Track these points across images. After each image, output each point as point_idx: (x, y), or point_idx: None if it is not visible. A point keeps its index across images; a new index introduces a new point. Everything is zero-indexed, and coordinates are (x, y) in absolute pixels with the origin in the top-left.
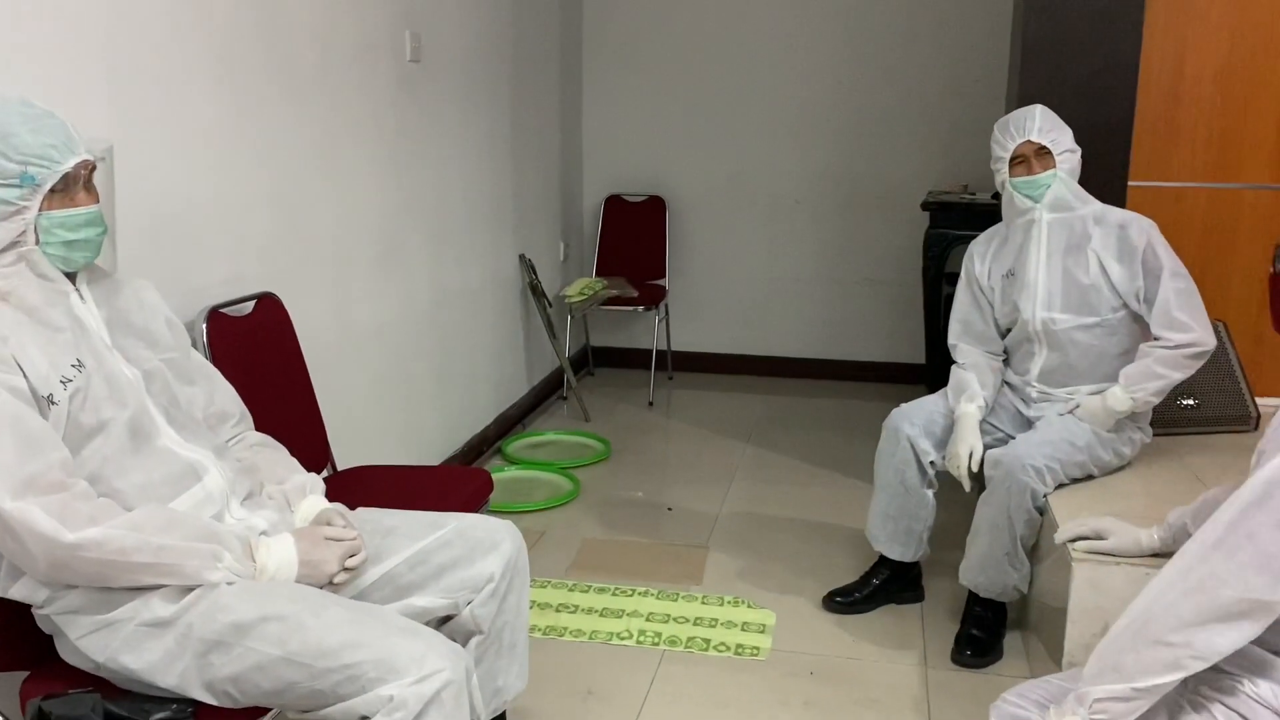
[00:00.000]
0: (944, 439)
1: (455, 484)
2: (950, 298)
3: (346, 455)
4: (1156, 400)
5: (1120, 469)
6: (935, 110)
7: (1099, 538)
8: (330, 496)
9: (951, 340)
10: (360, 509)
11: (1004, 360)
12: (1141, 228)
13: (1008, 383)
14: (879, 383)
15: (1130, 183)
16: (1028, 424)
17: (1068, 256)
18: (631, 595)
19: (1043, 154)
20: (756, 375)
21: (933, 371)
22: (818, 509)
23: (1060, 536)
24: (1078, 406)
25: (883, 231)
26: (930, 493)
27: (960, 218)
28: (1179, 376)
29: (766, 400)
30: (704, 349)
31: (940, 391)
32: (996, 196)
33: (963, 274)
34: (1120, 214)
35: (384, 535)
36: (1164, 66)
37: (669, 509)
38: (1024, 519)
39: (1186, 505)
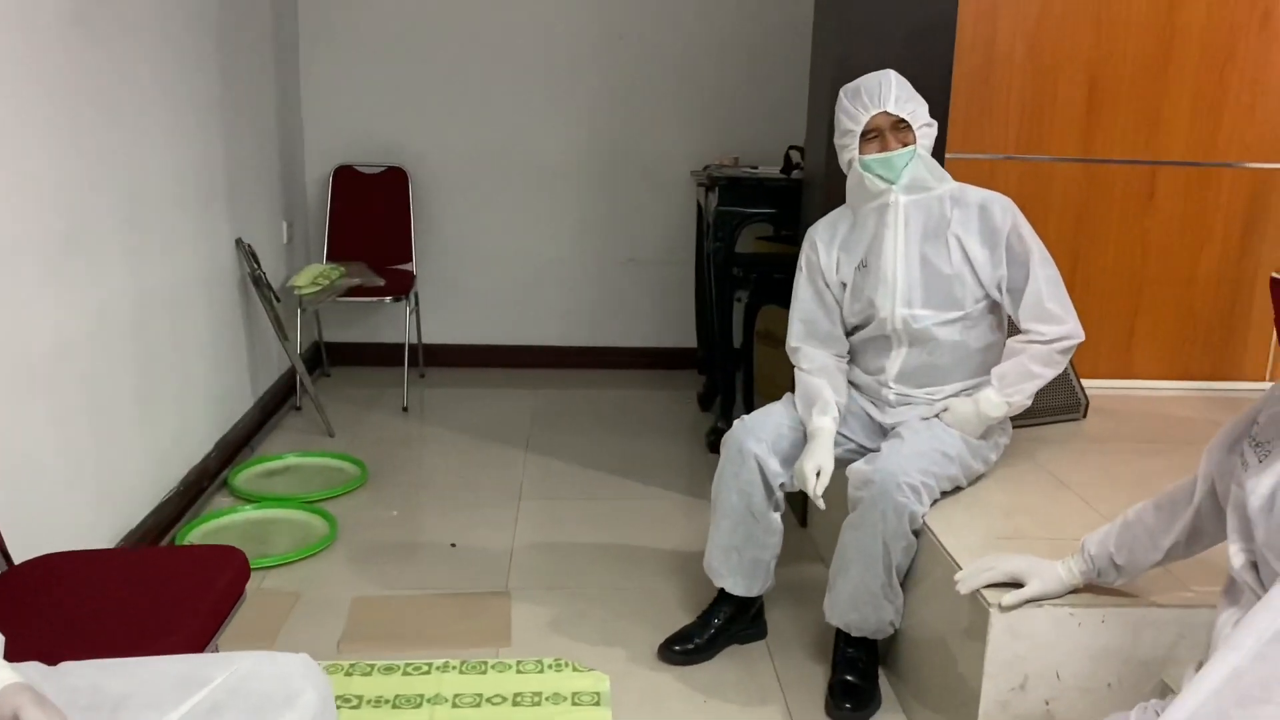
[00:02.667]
0: (793, 455)
1: (197, 574)
2: (738, 281)
3: (25, 536)
4: (1028, 403)
5: (981, 476)
6: (702, 77)
7: (1014, 582)
8: (8, 624)
9: (793, 343)
10: (65, 664)
11: (849, 359)
12: (1004, 208)
13: (855, 384)
14: (650, 369)
15: (946, 155)
16: (882, 432)
17: (926, 244)
18: (429, 673)
19: (900, 128)
20: (519, 368)
21: (703, 355)
22: (624, 528)
23: (966, 586)
24: (945, 410)
25: (648, 208)
26: (778, 516)
27: (751, 194)
28: (1051, 374)
29: (536, 396)
30: (459, 340)
31: (785, 399)
32: (787, 170)
33: (801, 267)
34: (979, 193)
35: (112, 711)
36: (979, 30)
37: (452, 545)
38: (901, 545)
39: (1098, 530)
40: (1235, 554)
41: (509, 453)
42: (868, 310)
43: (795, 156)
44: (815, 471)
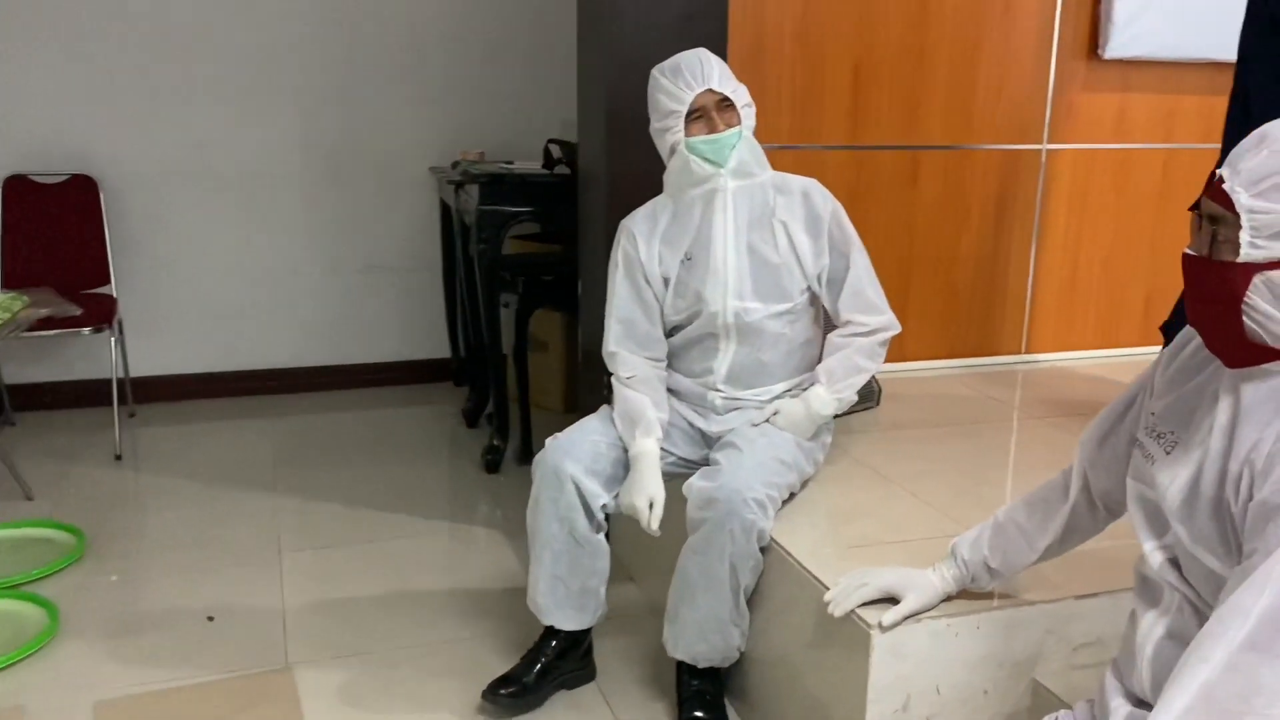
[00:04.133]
0: (614, 474)
1: None
2: (506, 285)
3: None
4: (855, 399)
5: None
6: (434, 66)
7: (889, 598)
8: None
9: (610, 347)
10: None
11: (667, 363)
12: (824, 195)
13: (676, 391)
14: (399, 385)
15: None
16: (706, 442)
17: (753, 232)
18: None
19: (725, 107)
20: (251, 396)
21: (459, 365)
22: (412, 571)
23: (840, 608)
24: (775, 414)
25: (385, 209)
26: (604, 538)
27: (515, 192)
28: (875, 368)
29: (275, 428)
30: (175, 371)
31: (601, 414)
32: (549, 165)
33: (617, 263)
34: (799, 180)
35: None
36: (748, 15)
37: (209, 619)
38: (750, 566)
39: (968, 532)
40: (1151, 553)
41: (256, 498)
42: (694, 306)
43: (555, 151)
44: (648, 504)
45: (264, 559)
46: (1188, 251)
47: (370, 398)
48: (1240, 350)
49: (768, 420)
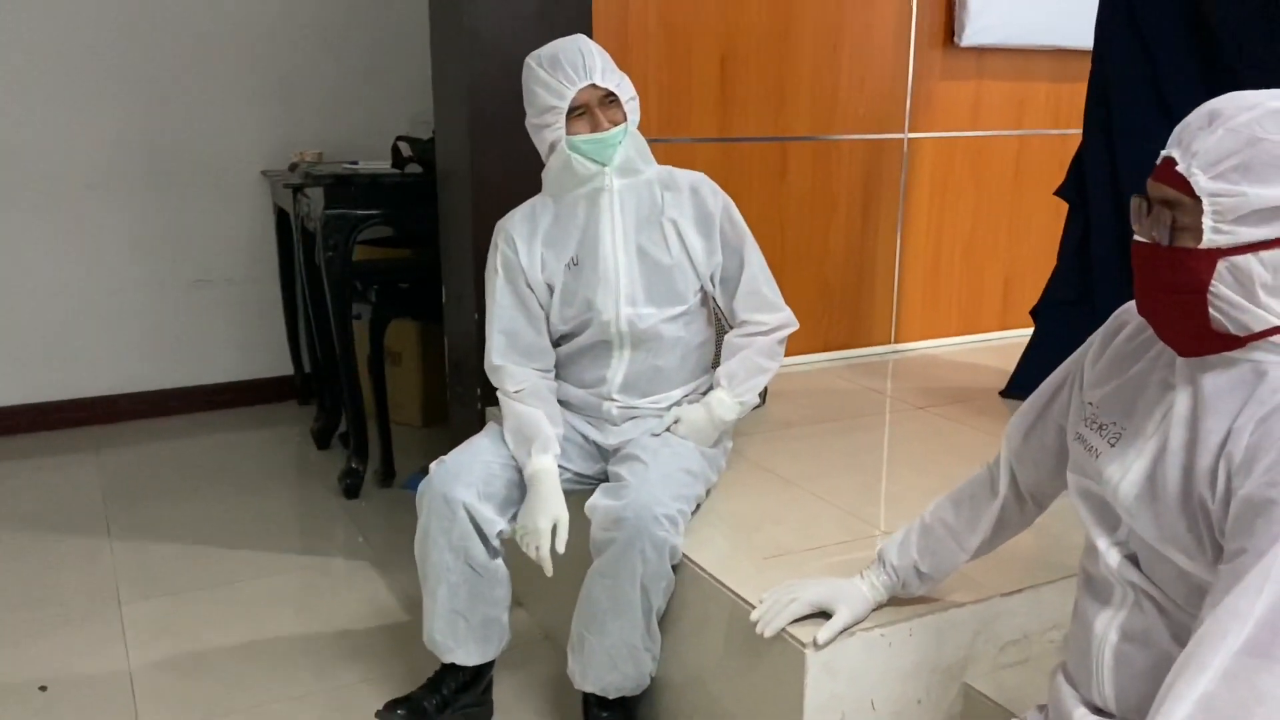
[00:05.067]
0: (509, 497)
1: None
2: (358, 295)
3: None
4: (757, 401)
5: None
6: (261, 61)
7: (820, 612)
8: None
9: (495, 361)
10: None
11: (555, 374)
12: (713, 189)
13: (567, 402)
14: (238, 408)
15: None
16: (602, 455)
17: (642, 233)
18: None
19: (609, 103)
20: (74, 428)
21: (303, 383)
22: (276, 614)
23: (771, 627)
24: (677, 422)
25: (214, 218)
26: (502, 562)
27: (365, 194)
28: (775, 367)
29: (100, 463)
30: None
31: (489, 432)
32: (399, 164)
33: (497, 269)
34: (687, 174)
35: None
36: (611, 1)
37: (41, 688)
38: (663, 587)
39: (894, 536)
40: (1107, 550)
41: (85, 543)
42: (584, 314)
43: (405, 148)
44: (551, 526)
45: (101, 613)
46: (1139, 239)
47: (208, 422)
48: (1201, 340)
49: (668, 429)
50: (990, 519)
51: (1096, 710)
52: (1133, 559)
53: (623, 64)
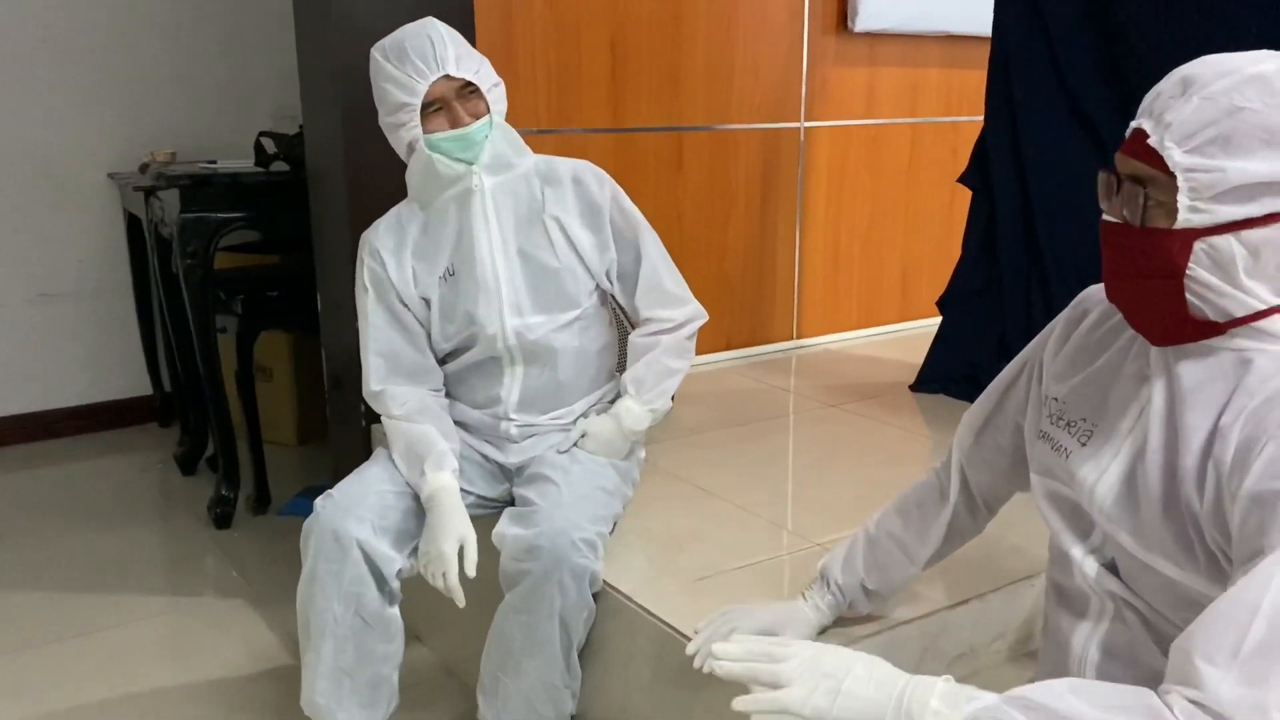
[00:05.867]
0: (406, 529)
1: None
2: (221, 305)
3: None
4: (670, 406)
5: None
6: (111, 49)
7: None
8: None
9: (373, 386)
10: None
11: (445, 392)
12: (599, 178)
13: (463, 424)
14: (92, 433)
15: None
16: (506, 475)
17: (523, 235)
18: None
19: (468, 94)
20: None
21: (164, 403)
22: (136, 666)
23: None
24: (584, 436)
25: (56, 226)
26: (397, 611)
27: (226, 196)
28: (685, 366)
29: None
30: None
31: (378, 458)
32: (264, 162)
33: (366, 286)
34: (567, 164)
35: None
36: None
37: None
38: (583, 619)
39: (835, 553)
40: (1083, 560)
41: None
42: (467, 329)
43: (269, 145)
44: (457, 548)
45: None
46: (1108, 219)
47: (57, 451)
48: (1178, 327)
49: (575, 444)
50: (941, 528)
51: None
52: (1111, 567)
53: (507, 50)
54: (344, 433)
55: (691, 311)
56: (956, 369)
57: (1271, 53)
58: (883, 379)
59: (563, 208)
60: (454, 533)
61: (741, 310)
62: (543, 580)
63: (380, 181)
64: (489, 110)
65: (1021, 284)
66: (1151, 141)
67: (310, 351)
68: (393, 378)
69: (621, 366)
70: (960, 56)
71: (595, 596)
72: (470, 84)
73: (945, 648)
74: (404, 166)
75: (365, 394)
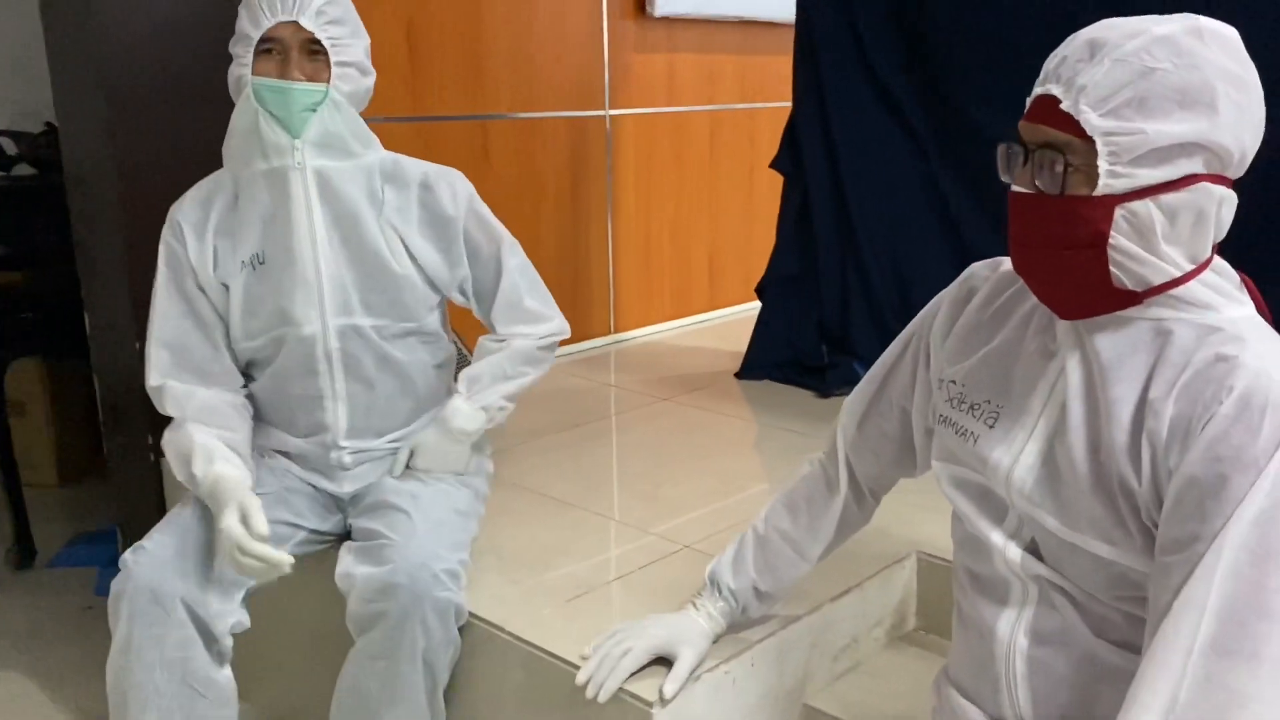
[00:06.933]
0: (234, 577)
1: None
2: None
3: None
4: (511, 407)
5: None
6: None
7: (658, 659)
8: None
9: (154, 381)
10: None
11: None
12: (454, 187)
13: (284, 453)
14: None
15: None
16: (338, 506)
17: (354, 229)
18: None
19: (313, 53)
20: None
21: None
22: None
23: (607, 689)
24: (412, 455)
25: None
26: (229, 672)
27: None
28: (537, 374)
29: None
30: None
31: (186, 502)
32: (4, 165)
33: (161, 266)
34: (419, 166)
35: None
36: None
37: None
38: (449, 657)
39: (722, 557)
40: (1005, 547)
41: None
42: (276, 328)
43: (10, 145)
44: (239, 517)
45: None
46: (1018, 189)
47: None
48: (1097, 299)
49: (407, 467)
50: (833, 521)
51: None
52: (1034, 550)
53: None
54: (128, 470)
55: (553, 329)
56: (780, 354)
57: (1174, 15)
58: (705, 369)
59: (402, 216)
60: (231, 504)
61: (559, 305)
62: (402, 621)
63: (158, 180)
64: (329, 82)
65: (837, 267)
66: (1065, 106)
67: (71, 381)
68: (177, 373)
69: None
70: (756, 43)
71: (461, 630)
72: (318, 44)
73: (831, 640)
74: (185, 161)
75: (148, 388)
